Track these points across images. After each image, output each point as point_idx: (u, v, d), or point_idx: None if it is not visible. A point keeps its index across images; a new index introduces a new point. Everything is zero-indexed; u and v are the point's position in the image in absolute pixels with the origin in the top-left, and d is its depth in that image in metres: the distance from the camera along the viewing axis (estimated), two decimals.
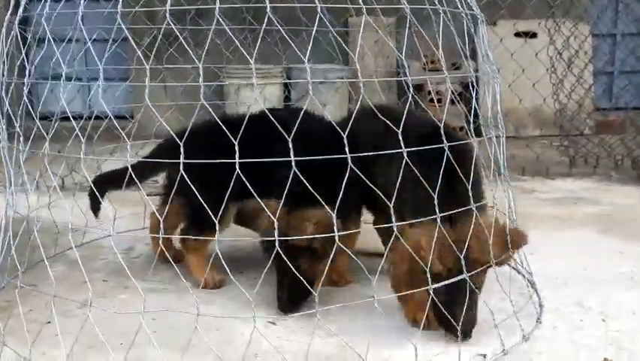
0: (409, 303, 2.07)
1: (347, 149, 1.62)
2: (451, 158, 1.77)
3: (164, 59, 3.93)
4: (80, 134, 1.86)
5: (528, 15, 4.91)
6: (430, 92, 5.94)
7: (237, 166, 1.58)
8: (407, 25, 1.78)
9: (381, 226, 1.97)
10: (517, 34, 5.32)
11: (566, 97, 4.50)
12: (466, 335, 1.92)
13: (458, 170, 1.83)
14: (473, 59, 6.03)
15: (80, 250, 2.95)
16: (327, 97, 5.28)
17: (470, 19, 2.00)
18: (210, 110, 1.72)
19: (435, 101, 5.90)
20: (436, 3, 1.86)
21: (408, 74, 1.77)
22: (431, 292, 1.80)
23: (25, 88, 1.95)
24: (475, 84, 1.92)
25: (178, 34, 1.90)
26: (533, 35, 5.20)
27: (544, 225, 3.26)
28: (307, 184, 1.73)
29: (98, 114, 2.89)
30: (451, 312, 1.89)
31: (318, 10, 1.62)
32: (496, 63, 2.17)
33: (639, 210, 3.58)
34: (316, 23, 1.66)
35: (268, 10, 1.63)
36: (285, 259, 1.92)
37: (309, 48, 1.78)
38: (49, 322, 2.18)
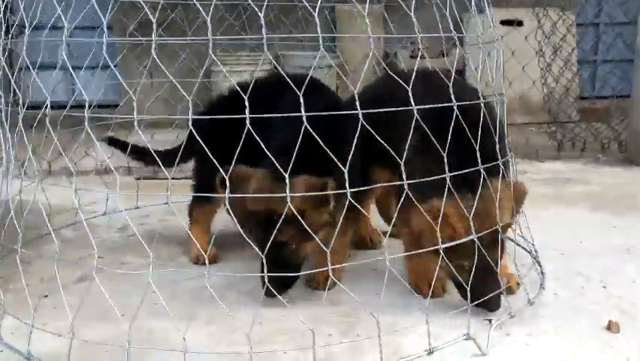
0: (416, 271, 2.06)
1: (357, 104, 1.58)
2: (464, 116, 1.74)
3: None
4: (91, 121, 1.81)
5: (514, 3, 4.95)
6: None
7: (248, 121, 1.53)
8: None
9: (396, 183, 1.76)
10: (503, 22, 5.36)
11: (554, 80, 4.54)
12: (499, 306, 1.89)
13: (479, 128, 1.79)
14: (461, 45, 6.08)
15: (73, 228, 2.92)
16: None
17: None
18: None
19: None
20: None
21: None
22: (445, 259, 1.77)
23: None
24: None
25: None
26: (519, 23, 5.24)
27: (537, 203, 3.28)
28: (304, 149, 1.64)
29: (83, 103, 2.83)
30: (483, 285, 1.84)
31: None
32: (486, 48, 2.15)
33: (628, 189, 3.62)
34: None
35: None
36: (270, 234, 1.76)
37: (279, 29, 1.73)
38: (46, 295, 2.14)
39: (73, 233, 2.87)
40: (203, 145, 1.66)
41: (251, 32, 4.65)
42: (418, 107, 1.67)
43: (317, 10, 1.59)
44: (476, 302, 1.83)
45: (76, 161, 3.72)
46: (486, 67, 1.97)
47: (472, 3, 1.91)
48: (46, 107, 1.88)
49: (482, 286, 1.83)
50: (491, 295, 1.85)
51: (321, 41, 1.58)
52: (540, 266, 2.29)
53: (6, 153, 2.20)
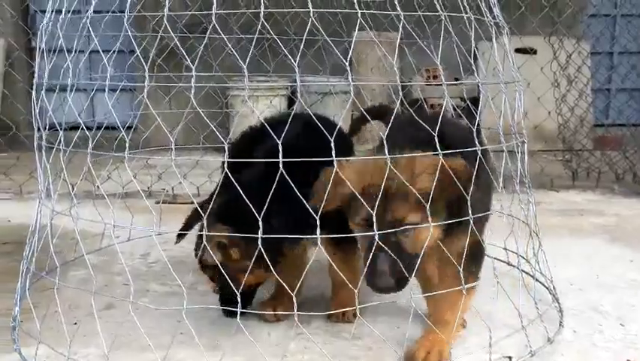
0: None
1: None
2: None
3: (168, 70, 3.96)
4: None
5: (528, 31, 5.01)
6: (432, 106, 6.04)
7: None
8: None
9: None
10: (518, 50, 5.42)
11: (569, 111, 4.58)
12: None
13: None
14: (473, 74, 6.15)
15: (98, 254, 2.98)
16: (332, 109, 5.34)
17: (493, 28, 2.05)
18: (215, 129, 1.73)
19: None
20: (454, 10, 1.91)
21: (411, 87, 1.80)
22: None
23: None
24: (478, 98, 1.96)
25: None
26: (533, 51, 5.31)
27: (553, 234, 3.31)
28: None
29: (104, 124, 2.88)
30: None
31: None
32: (502, 77, 2.20)
33: None
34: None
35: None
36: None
37: (297, 58, 1.78)
38: (75, 323, 2.19)
39: (97, 259, 2.92)
40: None
41: (270, 59, 4.75)
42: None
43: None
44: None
45: (98, 184, 3.79)
46: (504, 105, 2.02)
47: (494, 45, 1.96)
48: (67, 129, 1.96)
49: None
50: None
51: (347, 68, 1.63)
52: (558, 303, 2.31)
53: (40, 181, 2.25)
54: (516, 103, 1.97)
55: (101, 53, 1.81)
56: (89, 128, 2.14)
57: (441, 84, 2.20)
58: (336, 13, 4.30)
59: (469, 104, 4.54)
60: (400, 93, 2.28)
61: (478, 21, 2.20)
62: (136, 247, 3.06)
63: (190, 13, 3.22)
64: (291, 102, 5.90)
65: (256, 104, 5.43)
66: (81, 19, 1.95)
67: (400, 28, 1.73)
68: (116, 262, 2.89)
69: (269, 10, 1.71)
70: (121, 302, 2.33)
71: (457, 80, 5.87)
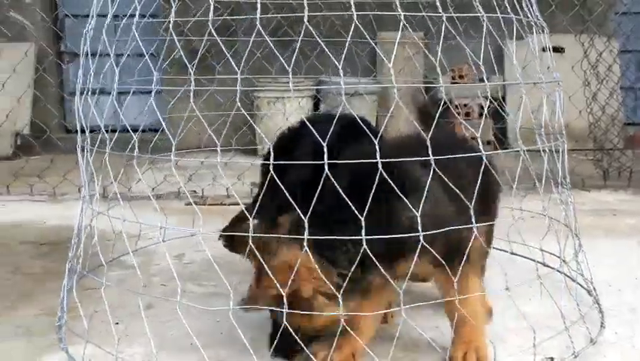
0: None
1: None
2: None
3: (193, 72, 4.00)
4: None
5: (558, 30, 4.96)
6: (457, 106, 6.01)
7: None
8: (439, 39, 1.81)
9: None
10: (545, 50, 5.37)
11: (600, 109, 4.54)
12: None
13: None
14: (500, 74, 6.11)
15: (135, 255, 3.02)
16: (357, 110, 5.35)
17: (533, 27, 2.04)
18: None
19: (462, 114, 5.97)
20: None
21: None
22: None
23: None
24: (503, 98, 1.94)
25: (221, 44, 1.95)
26: (561, 50, 5.26)
27: (588, 235, 3.27)
28: None
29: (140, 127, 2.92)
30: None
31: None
32: (530, 77, 2.18)
33: None
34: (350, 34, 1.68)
35: (306, 19, 1.65)
36: None
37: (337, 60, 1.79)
38: (117, 323, 2.23)
39: (134, 260, 2.96)
40: None
41: (295, 60, 4.75)
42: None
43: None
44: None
45: (130, 187, 3.85)
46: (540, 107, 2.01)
47: (534, 42, 1.95)
48: (98, 132, 2.00)
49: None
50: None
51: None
52: (599, 304, 2.30)
53: (83, 182, 2.29)
54: (557, 103, 1.96)
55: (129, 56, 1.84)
56: (124, 131, 2.17)
57: (468, 84, 2.20)
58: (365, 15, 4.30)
59: (498, 104, 4.53)
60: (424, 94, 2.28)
61: (506, 20, 2.19)
62: (170, 249, 3.09)
63: (222, 18, 3.25)
64: (316, 103, 5.92)
65: (284, 106, 5.46)
66: (113, 24, 1.99)
67: (432, 28, 1.73)
68: (152, 263, 2.94)
69: (313, 13, 1.72)
70: (160, 302, 2.36)
71: (481, 80, 5.84)
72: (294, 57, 2.06)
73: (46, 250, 3.17)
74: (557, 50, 5.20)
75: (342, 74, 1.69)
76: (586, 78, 4.50)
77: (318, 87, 5.65)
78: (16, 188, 4.32)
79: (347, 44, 1.78)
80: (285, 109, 5.44)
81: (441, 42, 1.88)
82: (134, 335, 2.10)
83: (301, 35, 1.86)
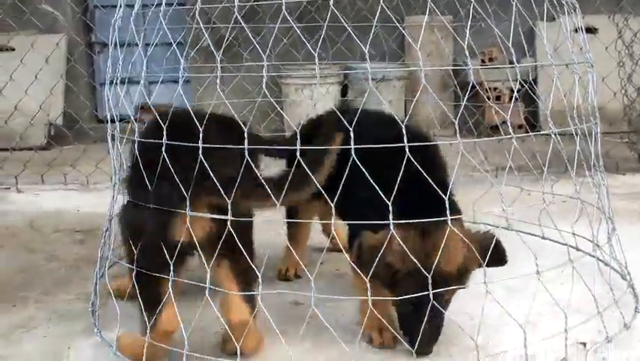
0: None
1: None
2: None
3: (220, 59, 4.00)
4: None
5: (589, 10, 4.84)
6: (487, 90, 5.91)
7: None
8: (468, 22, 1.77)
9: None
10: (576, 30, 5.24)
11: (635, 91, 4.42)
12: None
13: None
14: (531, 55, 5.98)
15: None
16: (385, 96, 5.31)
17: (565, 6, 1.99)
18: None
19: (492, 98, 5.88)
20: None
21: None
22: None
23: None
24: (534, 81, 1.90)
25: (248, 32, 1.94)
26: (593, 31, 5.13)
27: (622, 219, 3.20)
28: None
29: None
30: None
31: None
32: (562, 59, 2.13)
33: None
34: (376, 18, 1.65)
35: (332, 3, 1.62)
36: None
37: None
38: None
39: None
40: None
41: (322, 46, 4.74)
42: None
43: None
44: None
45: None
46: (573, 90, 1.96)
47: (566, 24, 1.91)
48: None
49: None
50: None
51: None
52: (633, 289, 2.25)
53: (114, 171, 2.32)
54: (590, 85, 1.92)
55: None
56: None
57: (497, 67, 2.16)
58: None
59: (529, 87, 4.44)
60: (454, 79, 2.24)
61: (537, 0, 2.14)
62: None
63: (249, 3, 3.26)
64: (344, 90, 5.88)
65: (311, 93, 5.45)
66: (142, 13, 2.01)
67: (460, 11, 1.70)
68: None
69: None
70: (191, 288, 2.37)
71: (511, 62, 5.73)
72: (320, 43, 2.05)
73: (81, 238, 3.23)
74: (590, 30, 5.08)
75: (368, 59, 1.68)
76: (620, 59, 4.38)
77: (344, 72, 5.61)
78: (51, 177, 4.41)
79: (373, 29, 1.76)
80: (312, 95, 5.42)
81: (469, 24, 1.85)
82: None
83: (326, 21, 1.86)
